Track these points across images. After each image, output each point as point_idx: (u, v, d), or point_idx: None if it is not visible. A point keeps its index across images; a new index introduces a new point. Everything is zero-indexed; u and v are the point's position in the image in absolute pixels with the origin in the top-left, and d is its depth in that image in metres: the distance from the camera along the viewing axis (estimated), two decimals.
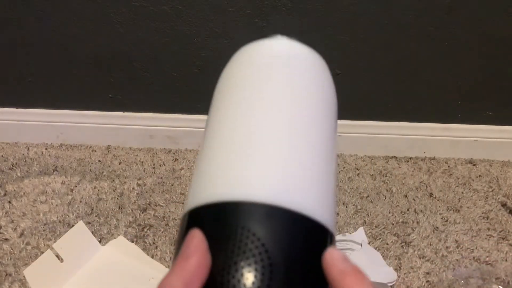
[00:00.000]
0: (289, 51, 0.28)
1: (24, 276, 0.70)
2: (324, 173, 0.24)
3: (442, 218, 0.88)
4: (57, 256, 0.71)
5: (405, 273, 0.76)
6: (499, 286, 0.74)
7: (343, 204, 0.90)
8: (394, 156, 1.05)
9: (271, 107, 0.25)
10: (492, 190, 0.95)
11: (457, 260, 0.79)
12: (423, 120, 1.01)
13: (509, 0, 0.84)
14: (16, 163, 0.99)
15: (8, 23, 0.90)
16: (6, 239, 0.80)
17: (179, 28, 0.89)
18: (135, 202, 0.89)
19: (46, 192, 0.90)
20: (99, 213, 0.86)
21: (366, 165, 1.02)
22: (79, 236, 0.75)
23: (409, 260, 0.78)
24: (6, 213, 0.85)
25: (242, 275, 0.20)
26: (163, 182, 0.95)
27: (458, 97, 0.97)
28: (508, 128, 1.02)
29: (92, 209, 0.87)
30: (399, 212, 0.89)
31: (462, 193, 0.94)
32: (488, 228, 0.86)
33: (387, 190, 0.94)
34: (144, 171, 0.98)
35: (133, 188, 0.92)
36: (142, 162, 1.01)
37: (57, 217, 0.84)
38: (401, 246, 0.81)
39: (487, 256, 0.80)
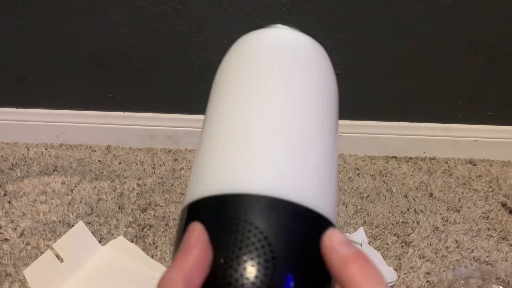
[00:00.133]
0: (289, 40, 0.28)
1: (24, 276, 0.70)
2: (325, 165, 0.24)
3: (442, 218, 0.87)
4: (57, 256, 0.71)
5: (405, 273, 0.76)
6: (499, 286, 0.74)
7: (343, 204, 0.90)
8: (394, 156, 1.05)
9: (270, 99, 0.25)
10: (492, 190, 0.95)
11: (457, 260, 0.79)
12: (423, 120, 1.01)
13: (509, 0, 0.84)
14: (16, 163, 0.99)
15: (8, 23, 0.90)
16: (6, 239, 0.80)
17: (179, 28, 0.89)
18: (135, 202, 0.89)
19: (46, 192, 0.90)
20: (99, 213, 0.86)
21: (366, 165, 1.02)
22: (79, 236, 0.75)
23: (409, 260, 0.78)
24: (6, 213, 0.85)
25: (244, 268, 0.19)
26: (163, 182, 0.95)
27: (458, 97, 0.97)
28: (508, 128, 1.02)
29: (92, 209, 0.87)
30: (399, 212, 0.89)
31: (462, 193, 0.94)
32: (488, 228, 0.86)
33: (387, 190, 0.94)
34: (144, 171, 0.98)
35: (133, 188, 0.92)
36: (142, 162, 1.01)
37: (57, 217, 0.84)
38: (401, 246, 0.81)
39: (487, 256, 0.80)
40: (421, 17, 0.86)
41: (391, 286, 0.73)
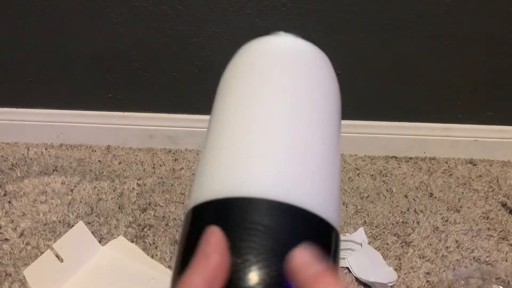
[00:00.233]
0: (292, 48, 0.28)
1: (24, 276, 0.70)
2: (328, 169, 0.24)
3: (442, 218, 0.87)
4: (57, 256, 0.71)
5: (405, 273, 0.76)
6: (499, 286, 0.74)
7: (343, 204, 0.90)
8: (394, 156, 1.05)
9: (275, 104, 0.25)
10: (492, 190, 0.95)
11: (457, 260, 0.79)
12: (423, 120, 1.01)
13: (509, 0, 0.84)
14: (16, 163, 0.99)
15: (8, 23, 0.90)
16: (6, 239, 0.80)
17: (179, 28, 0.89)
18: (135, 202, 0.89)
19: (46, 192, 0.90)
20: (99, 213, 0.86)
21: (366, 165, 1.02)
22: (79, 236, 0.75)
23: (409, 260, 0.78)
24: (6, 213, 0.85)
25: (259, 272, 0.20)
26: (163, 182, 0.95)
27: (458, 97, 0.97)
28: (508, 128, 1.02)
29: (92, 209, 0.87)
30: (399, 212, 0.89)
31: (462, 193, 0.94)
32: (488, 228, 0.86)
33: (387, 190, 0.94)
34: (144, 171, 0.98)
35: (133, 188, 0.92)
36: (142, 162, 1.01)
37: (57, 217, 0.84)
38: (401, 246, 0.81)
39: (487, 256, 0.79)
40: (421, 17, 0.86)
41: (391, 286, 0.73)
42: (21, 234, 0.81)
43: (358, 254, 0.78)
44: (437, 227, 0.85)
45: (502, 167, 1.03)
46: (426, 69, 0.93)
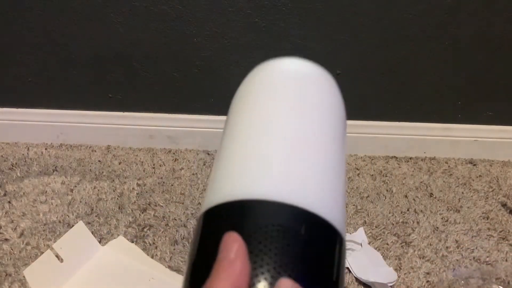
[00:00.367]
0: (301, 70, 0.31)
1: (24, 276, 0.70)
2: (334, 174, 0.26)
3: (442, 218, 0.87)
4: (57, 256, 0.71)
5: (405, 273, 0.76)
6: (499, 286, 0.74)
7: None
8: (394, 156, 1.05)
9: (287, 121, 0.27)
10: (492, 190, 0.95)
11: (457, 260, 0.79)
12: (423, 120, 1.01)
13: (509, 0, 0.84)
14: (16, 163, 0.99)
15: (8, 23, 0.90)
16: (6, 239, 0.80)
17: (179, 28, 0.89)
18: (135, 202, 0.89)
19: (46, 192, 0.90)
20: (99, 213, 0.86)
21: (366, 165, 1.02)
22: (79, 236, 0.75)
23: (409, 260, 0.78)
24: (6, 213, 0.85)
25: (276, 276, 0.20)
26: (163, 182, 0.95)
27: (458, 97, 0.97)
28: (508, 128, 1.02)
29: (92, 209, 0.87)
30: (399, 212, 0.89)
31: (462, 193, 0.94)
32: (488, 228, 0.86)
33: (387, 190, 0.94)
34: (144, 171, 0.98)
35: (133, 188, 0.92)
36: (142, 162, 1.01)
37: (57, 217, 0.84)
38: (401, 246, 0.81)
39: (487, 256, 0.79)
40: (421, 17, 0.86)
41: (391, 286, 0.73)
42: (21, 234, 0.81)
43: (358, 254, 0.78)
44: (437, 227, 0.85)
45: (502, 167, 1.03)
46: (426, 69, 0.93)
